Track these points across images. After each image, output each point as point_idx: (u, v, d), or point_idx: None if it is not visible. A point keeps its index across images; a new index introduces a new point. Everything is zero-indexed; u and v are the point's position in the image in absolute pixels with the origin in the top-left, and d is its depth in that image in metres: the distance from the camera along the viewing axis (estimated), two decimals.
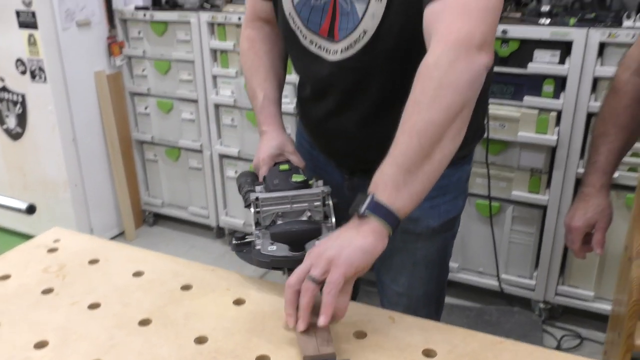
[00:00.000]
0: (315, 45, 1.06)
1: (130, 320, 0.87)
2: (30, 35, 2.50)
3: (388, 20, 0.96)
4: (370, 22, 0.97)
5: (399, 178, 0.82)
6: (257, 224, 0.99)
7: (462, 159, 1.17)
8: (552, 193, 2.10)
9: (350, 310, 0.87)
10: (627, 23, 1.88)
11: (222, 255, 2.87)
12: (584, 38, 1.89)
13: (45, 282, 0.97)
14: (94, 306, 0.91)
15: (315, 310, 0.80)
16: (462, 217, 1.28)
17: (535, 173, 2.12)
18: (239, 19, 2.46)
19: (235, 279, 0.99)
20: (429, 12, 0.88)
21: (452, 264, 2.33)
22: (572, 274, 2.21)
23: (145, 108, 2.91)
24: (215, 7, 2.63)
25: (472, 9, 0.85)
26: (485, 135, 1.45)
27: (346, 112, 1.10)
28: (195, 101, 2.73)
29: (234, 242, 1.00)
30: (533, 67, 1.99)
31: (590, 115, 1.95)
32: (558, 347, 2.18)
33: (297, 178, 1.04)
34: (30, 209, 1.41)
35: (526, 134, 2.05)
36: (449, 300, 1.39)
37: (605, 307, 2.14)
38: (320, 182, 1.03)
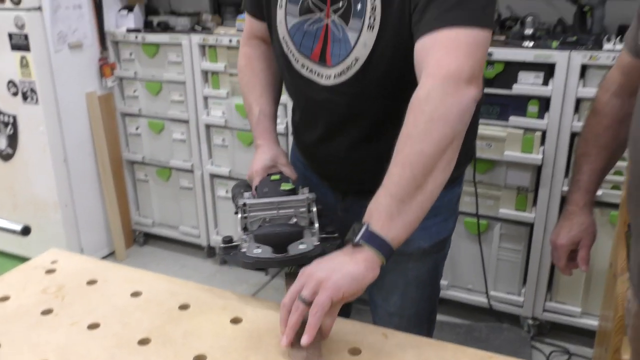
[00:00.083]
0: (307, 69, 1.10)
1: (129, 340, 0.88)
2: (23, 58, 2.52)
3: (379, 49, 0.99)
4: (362, 51, 1.01)
5: (392, 208, 0.85)
6: (245, 228, 1.03)
7: (452, 181, 1.20)
8: (538, 211, 2.14)
9: (344, 327, 0.90)
10: (607, 46, 1.94)
11: (214, 275, 2.87)
12: (566, 60, 1.95)
13: (44, 302, 0.99)
14: (93, 326, 0.92)
15: (304, 326, 0.82)
16: None
17: (521, 191, 2.16)
18: (230, 41, 2.50)
19: (232, 297, 1.01)
20: (419, 46, 0.92)
21: (442, 281, 2.34)
22: (560, 290, 2.24)
23: (137, 128, 2.93)
24: (206, 30, 2.68)
25: (461, 44, 0.89)
26: None
27: (338, 136, 1.13)
28: (186, 122, 2.76)
29: (221, 245, 1.03)
30: (518, 88, 2.05)
31: (573, 135, 2.01)
32: None
33: (285, 186, 1.08)
34: (25, 231, 1.43)
35: (512, 153, 2.10)
36: (438, 317, 1.41)
37: (592, 322, 2.17)
38: (306, 190, 1.07)
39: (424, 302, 1.30)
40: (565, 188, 2.04)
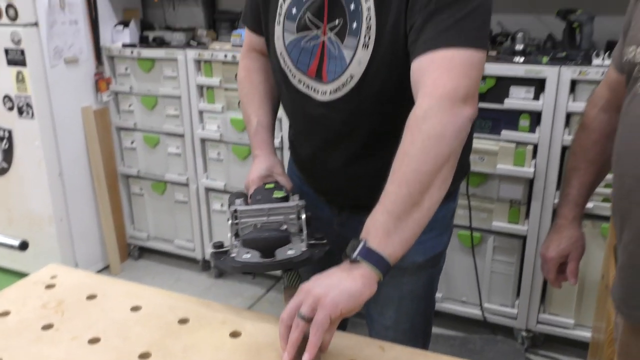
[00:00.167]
0: (304, 84, 1.12)
1: (130, 354, 0.89)
2: (19, 73, 2.53)
3: (373, 67, 1.02)
4: (357, 68, 1.03)
5: (389, 225, 0.87)
6: (237, 235, 1.04)
7: (447, 196, 1.21)
8: (531, 223, 2.17)
9: (342, 341, 0.91)
10: (596, 61, 1.98)
11: (208, 288, 2.88)
12: (557, 75, 1.99)
13: (44, 317, 0.99)
14: (94, 341, 0.93)
15: (304, 341, 0.84)
16: None
17: (514, 204, 2.19)
18: (225, 56, 2.53)
19: (230, 312, 1.02)
20: (416, 66, 0.94)
21: (436, 294, 2.37)
22: (553, 302, 2.26)
23: (132, 142, 2.94)
24: (201, 45, 2.71)
25: (457, 64, 0.91)
26: None
27: (334, 152, 1.15)
28: (181, 135, 2.78)
29: (212, 250, 1.05)
30: (509, 103, 2.08)
31: (564, 149, 2.04)
32: None
33: (278, 194, 1.10)
34: (23, 246, 1.44)
35: (504, 167, 2.13)
36: (433, 329, 1.42)
37: (585, 334, 2.19)
38: (296, 197, 1.09)
39: (419, 316, 1.31)
40: (557, 201, 2.07)
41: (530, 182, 2.14)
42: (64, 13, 2.60)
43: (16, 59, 2.51)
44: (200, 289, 2.86)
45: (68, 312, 1.01)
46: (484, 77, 2.08)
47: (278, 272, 1.13)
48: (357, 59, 1.03)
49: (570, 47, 2.14)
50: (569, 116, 2.02)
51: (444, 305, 2.41)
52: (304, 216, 1.05)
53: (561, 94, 2.00)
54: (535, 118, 2.08)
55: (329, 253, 1.08)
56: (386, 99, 1.04)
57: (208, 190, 2.82)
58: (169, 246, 3.04)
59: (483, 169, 2.17)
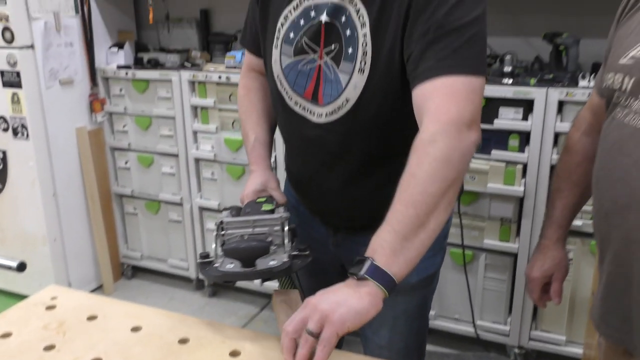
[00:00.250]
0: (300, 106, 1.15)
1: None
2: (14, 94, 2.55)
3: (369, 91, 1.04)
4: (352, 92, 1.06)
5: (396, 244, 0.88)
6: (223, 245, 1.07)
7: None
8: (521, 241, 2.20)
9: (339, 359, 0.93)
10: (582, 83, 2.03)
11: (202, 307, 2.88)
12: (544, 97, 2.03)
13: (46, 339, 1.01)
14: None
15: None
16: None
17: (505, 222, 2.22)
18: (219, 77, 2.57)
19: (230, 331, 1.04)
20: (418, 92, 0.97)
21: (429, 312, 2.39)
22: (545, 319, 2.29)
23: (126, 162, 2.96)
24: (195, 66, 2.74)
25: (459, 91, 0.94)
26: None
27: (329, 173, 1.18)
28: (175, 155, 2.80)
29: (198, 260, 1.08)
30: (499, 123, 2.13)
31: (553, 168, 2.07)
32: None
33: (266, 207, 1.13)
34: (21, 267, 1.45)
35: (495, 186, 2.17)
36: (427, 347, 1.44)
37: (577, 350, 2.21)
38: (281, 209, 1.12)
39: (412, 335, 1.32)
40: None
41: (520, 201, 2.18)
42: (59, 35, 2.64)
43: (12, 80, 2.53)
44: (194, 308, 2.86)
45: (69, 333, 1.03)
46: None
47: (272, 291, 1.15)
48: (352, 83, 1.05)
49: (557, 69, 2.19)
50: (557, 136, 2.07)
51: (437, 322, 2.43)
52: (286, 228, 1.07)
53: (549, 115, 2.05)
54: (525, 138, 2.12)
55: (324, 272, 1.11)
56: (382, 122, 1.07)
57: (202, 209, 2.84)
58: (163, 265, 3.05)
59: (474, 187, 2.20)
